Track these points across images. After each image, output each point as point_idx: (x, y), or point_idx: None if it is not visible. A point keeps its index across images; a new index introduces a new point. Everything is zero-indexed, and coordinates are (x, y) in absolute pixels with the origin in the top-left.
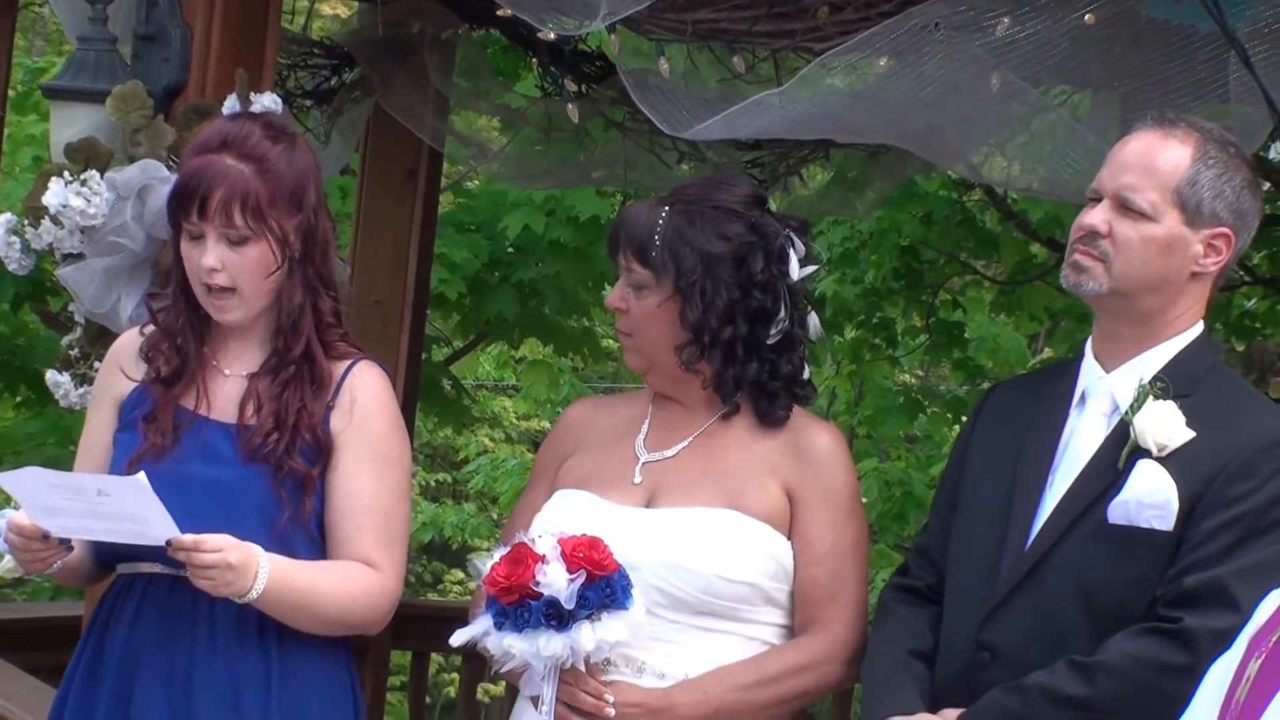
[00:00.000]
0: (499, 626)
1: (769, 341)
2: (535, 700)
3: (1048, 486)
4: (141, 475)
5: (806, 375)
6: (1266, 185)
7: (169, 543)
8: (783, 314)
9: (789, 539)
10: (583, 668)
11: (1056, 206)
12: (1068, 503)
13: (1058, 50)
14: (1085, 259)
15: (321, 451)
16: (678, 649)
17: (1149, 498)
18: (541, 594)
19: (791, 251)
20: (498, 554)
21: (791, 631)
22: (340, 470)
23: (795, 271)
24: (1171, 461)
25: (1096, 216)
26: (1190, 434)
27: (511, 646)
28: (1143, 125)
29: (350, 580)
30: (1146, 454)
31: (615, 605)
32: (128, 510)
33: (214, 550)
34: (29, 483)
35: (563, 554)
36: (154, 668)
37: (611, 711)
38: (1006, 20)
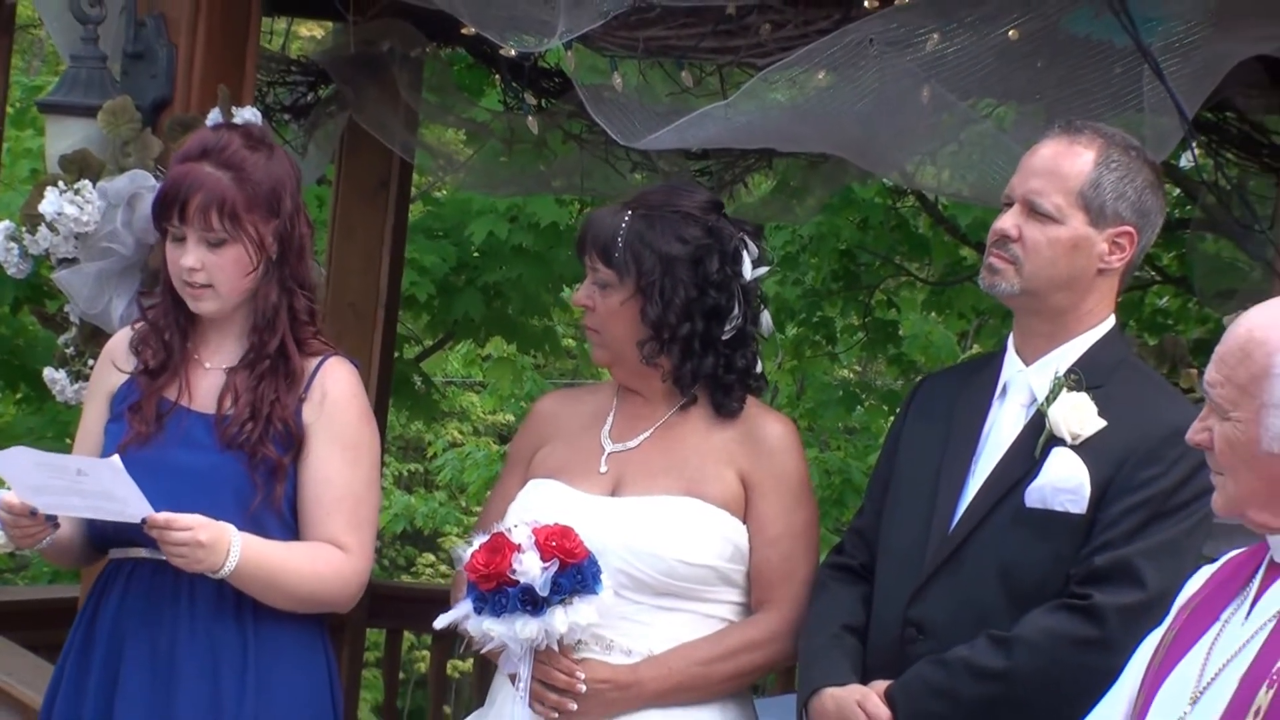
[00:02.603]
0: (478, 611)
1: (724, 337)
2: (513, 678)
3: (970, 473)
4: (116, 458)
5: (759, 369)
6: (1177, 191)
7: (144, 521)
8: (736, 312)
9: (744, 523)
10: (556, 648)
11: (985, 212)
12: (989, 488)
13: (984, 64)
14: (998, 262)
15: (293, 440)
16: (642, 628)
17: (1063, 483)
18: (518, 581)
19: (745, 253)
20: (477, 542)
21: (748, 609)
22: (312, 459)
23: (748, 272)
24: (1084, 449)
25: (1007, 221)
26: (1102, 423)
27: (490, 630)
28: (1051, 134)
29: (321, 560)
30: (1061, 442)
31: (586, 590)
32: (105, 489)
33: (184, 529)
34: (17, 462)
35: (537, 543)
36: (140, 643)
37: (583, 688)
38: (936, 36)
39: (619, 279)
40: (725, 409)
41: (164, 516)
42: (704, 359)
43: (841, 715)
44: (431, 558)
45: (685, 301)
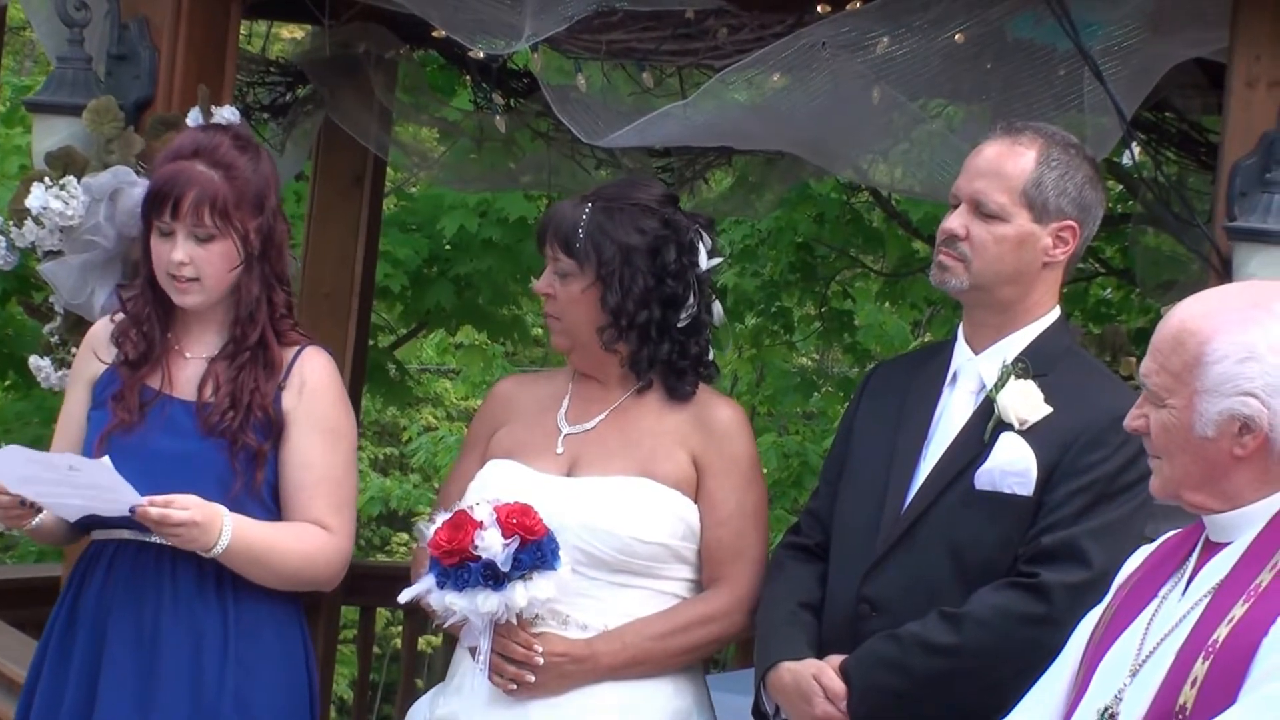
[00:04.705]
0: (441, 586)
1: (679, 325)
2: (473, 651)
3: (922, 456)
4: (106, 459)
5: (710, 356)
6: (1119, 187)
7: (133, 510)
8: (692, 300)
9: (696, 503)
10: (515, 622)
11: (935, 207)
12: (940, 471)
13: (932, 67)
14: (947, 259)
15: (273, 428)
16: (597, 603)
17: (1011, 466)
18: (479, 557)
19: (701, 245)
20: (440, 519)
21: (699, 585)
22: (292, 445)
23: (705, 262)
24: (1031, 434)
25: (955, 221)
26: (1048, 409)
27: (452, 604)
28: (994, 135)
29: (306, 540)
30: (1009, 428)
31: (545, 566)
32: (96, 482)
33: (182, 509)
34: (9, 459)
35: (498, 521)
36: (124, 621)
37: (540, 660)
38: (885, 39)
39: (580, 268)
40: (678, 393)
41: (164, 498)
42: (659, 345)
43: (798, 688)
44: (405, 537)
45: (643, 290)
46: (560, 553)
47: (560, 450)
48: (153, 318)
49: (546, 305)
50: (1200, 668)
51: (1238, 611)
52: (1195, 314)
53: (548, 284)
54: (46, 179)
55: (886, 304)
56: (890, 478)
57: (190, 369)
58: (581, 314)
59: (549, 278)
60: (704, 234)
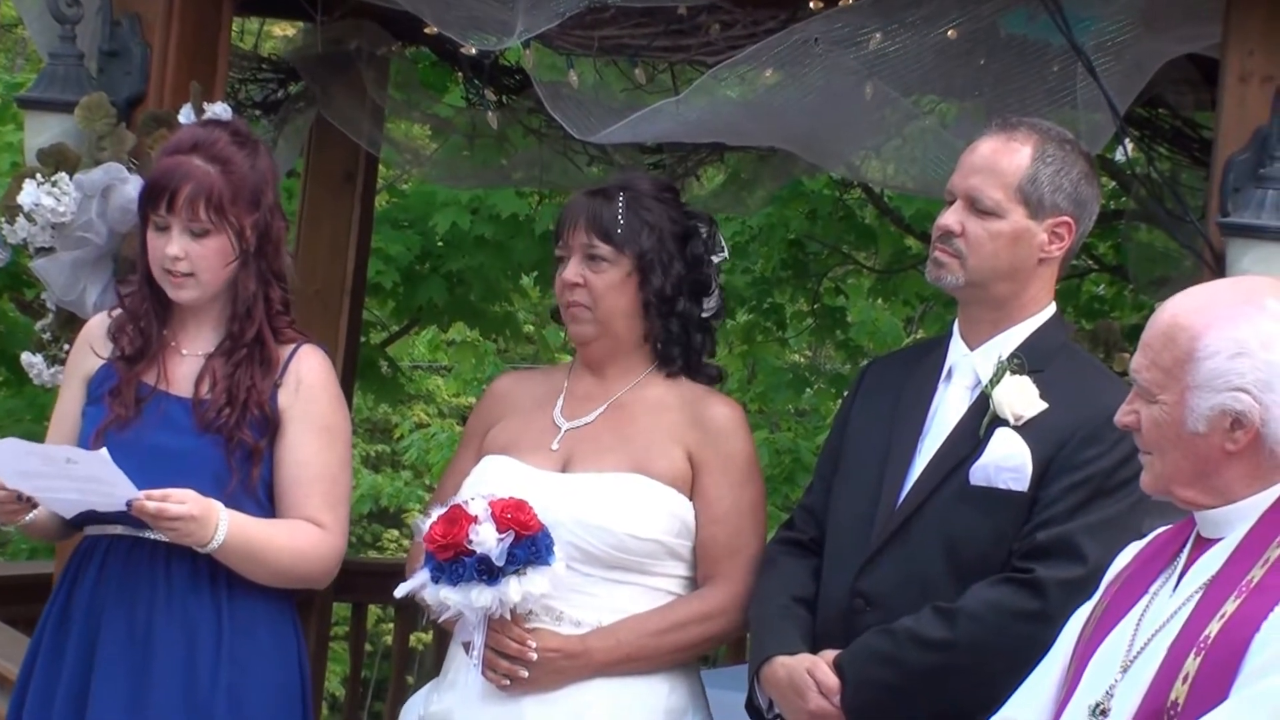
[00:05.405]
0: (436, 580)
1: (703, 314)
2: (467, 646)
3: (917, 451)
4: (104, 451)
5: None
6: (1112, 184)
7: (129, 504)
8: (715, 290)
9: (691, 500)
10: (509, 617)
11: (928, 203)
12: (934, 466)
13: (925, 62)
14: (943, 256)
15: (269, 425)
16: (591, 599)
17: (1006, 462)
18: (474, 551)
19: (720, 236)
20: (435, 514)
21: (693, 582)
22: (288, 442)
23: (725, 252)
24: (1026, 430)
25: (950, 218)
26: (1043, 405)
27: (447, 598)
28: (989, 131)
29: (300, 537)
30: (1004, 423)
31: (539, 561)
32: (94, 474)
33: (179, 503)
34: (7, 450)
35: (493, 515)
36: (117, 617)
37: (534, 656)
38: (878, 35)
39: (619, 254)
40: (700, 374)
41: (160, 492)
42: (688, 334)
43: (792, 683)
44: (396, 534)
45: (678, 276)
46: (555, 548)
47: (555, 446)
48: (150, 313)
49: (574, 295)
50: (1192, 664)
51: (1229, 607)
52: (1186, 309)
53: (577, 273)
54: (38, 176)
55: (879, 300)
56: (885, 473)
57: (187, 365)
58: (619, 301)
59: (578, 267)
60: (715, 228)
